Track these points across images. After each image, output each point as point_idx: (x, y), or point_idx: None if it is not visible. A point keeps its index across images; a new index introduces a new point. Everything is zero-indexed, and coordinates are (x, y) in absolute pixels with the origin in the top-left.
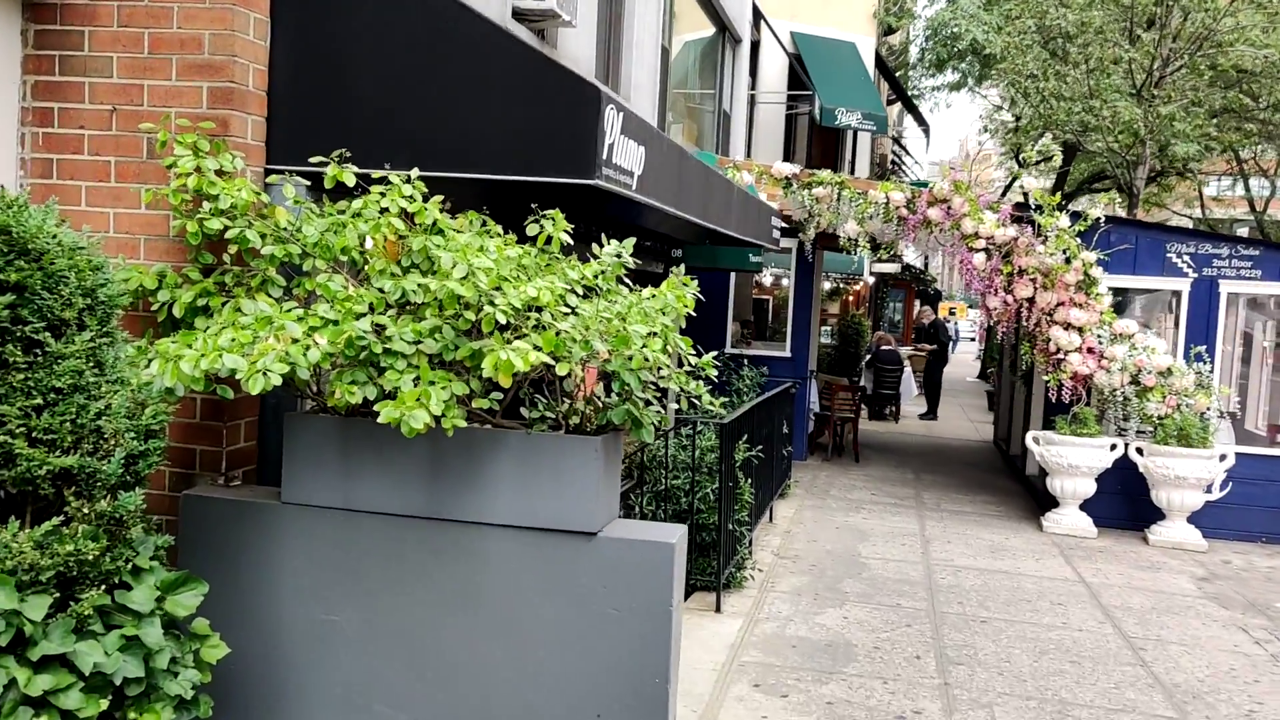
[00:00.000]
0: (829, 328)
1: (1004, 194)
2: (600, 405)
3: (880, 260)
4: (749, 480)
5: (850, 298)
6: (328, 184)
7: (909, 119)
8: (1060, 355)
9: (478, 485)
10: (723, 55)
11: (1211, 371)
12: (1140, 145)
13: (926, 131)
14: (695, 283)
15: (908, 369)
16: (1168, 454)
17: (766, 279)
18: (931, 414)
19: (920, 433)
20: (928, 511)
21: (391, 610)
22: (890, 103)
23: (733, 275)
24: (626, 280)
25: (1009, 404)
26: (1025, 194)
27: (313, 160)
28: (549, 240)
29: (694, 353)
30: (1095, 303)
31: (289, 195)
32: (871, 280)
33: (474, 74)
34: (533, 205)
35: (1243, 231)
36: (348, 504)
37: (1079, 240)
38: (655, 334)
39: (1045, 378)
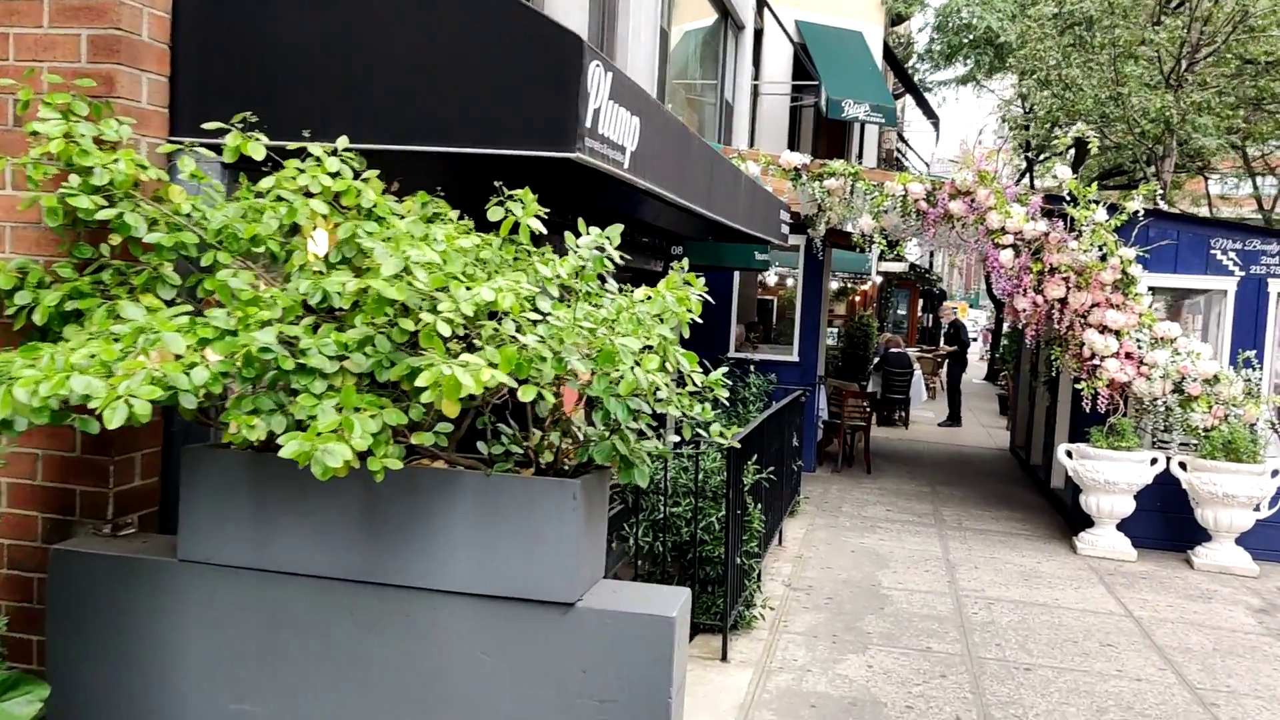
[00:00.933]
0: (835, 329)
1: (1017, 182)
2: (580, 437)
3: (887, 259)
4: (759, 505)
5: (857, 298)
6: (228, 157)
7: (911, 113)
8: (1095, 361)
9: (425, 541)
10: (725, 43)
11: (1261, 378)
12: (1169, 136)
13: (936, 125)
14: (701, 281)
15: (918, 372)
16: (1215, 469)
17: (770, 278)
18: (955, 420)
19: (932, 439)
20: (949, 530)
21: (317, 698)
22: (897, 95)
23: (736, 274)
24: (612, 279)
25: (1028, 411)
26: (1032, 184)
27: (207, 126)
28: (516, 229)
29: (699, 369)
30: (1134, 304)
31: (185, 170)
32: (879, 280)
33: (431, 23)
34: (496, 184)
35: None
36: (261, 563)
37: (1116, 235)
38: (651, 348)
39: (1079, 385)
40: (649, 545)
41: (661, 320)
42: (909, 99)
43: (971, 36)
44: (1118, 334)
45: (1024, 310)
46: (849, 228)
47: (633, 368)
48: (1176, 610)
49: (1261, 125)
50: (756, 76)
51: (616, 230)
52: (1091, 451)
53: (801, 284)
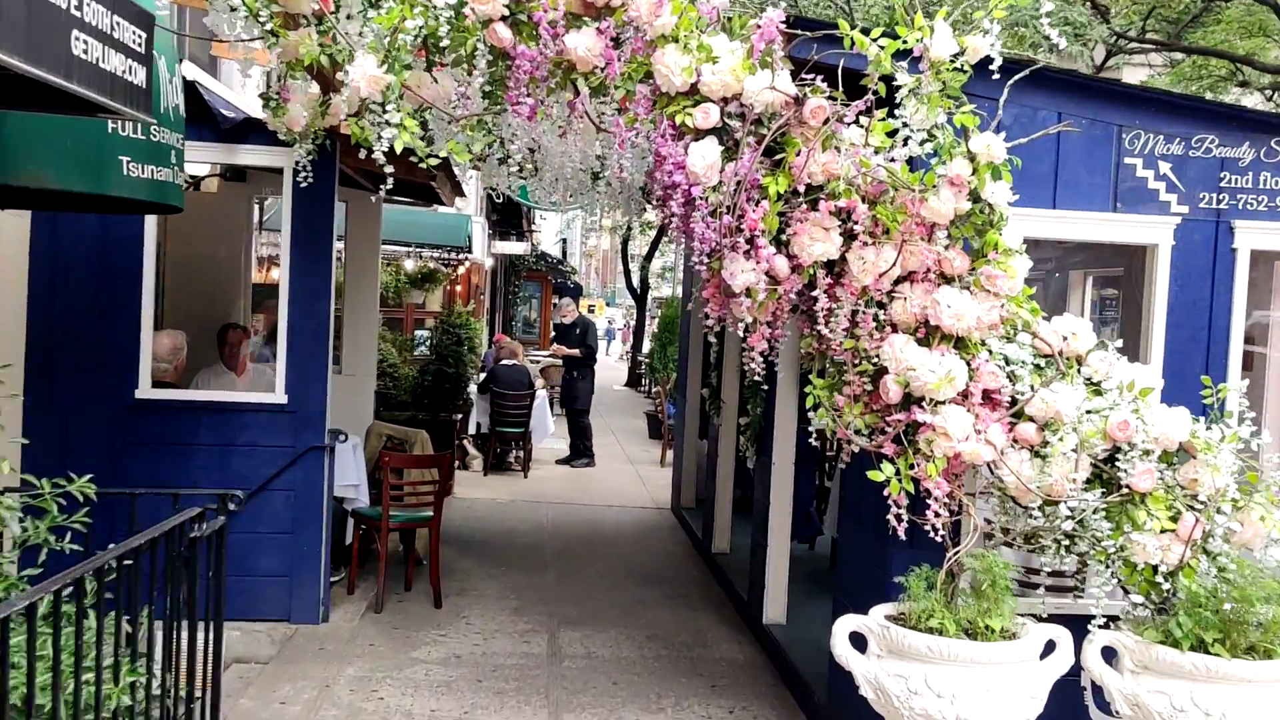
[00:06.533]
0: (426, 333)
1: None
2: None
3: (426, 163)
4: None
5: (454, 286)
6: None
7: None
8: (912, 413)
9: None
10: None
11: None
12: None
13: None
14: None
15: (541, 395)
16: (1201, 675)
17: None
18: (584, 456)
19: (560, 498)
20: None
21: None
22: None
23: (151, 225)
24: None
25: (705, 459)
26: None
27: None
28: None
29: None
30: (999, 272)
31: None
32: (489, 264)
33: None
34: None
35: None
36: None
37: (965, 102)
38: None
39: (875, 475)
40: None
41: None
42: None
43: None
44: (962, 344)
45: (749, 288)
46: (384, 143)
47: None
48: None
49: None
50: None
51: None
52: (919, 644)
53: (289, 247)
